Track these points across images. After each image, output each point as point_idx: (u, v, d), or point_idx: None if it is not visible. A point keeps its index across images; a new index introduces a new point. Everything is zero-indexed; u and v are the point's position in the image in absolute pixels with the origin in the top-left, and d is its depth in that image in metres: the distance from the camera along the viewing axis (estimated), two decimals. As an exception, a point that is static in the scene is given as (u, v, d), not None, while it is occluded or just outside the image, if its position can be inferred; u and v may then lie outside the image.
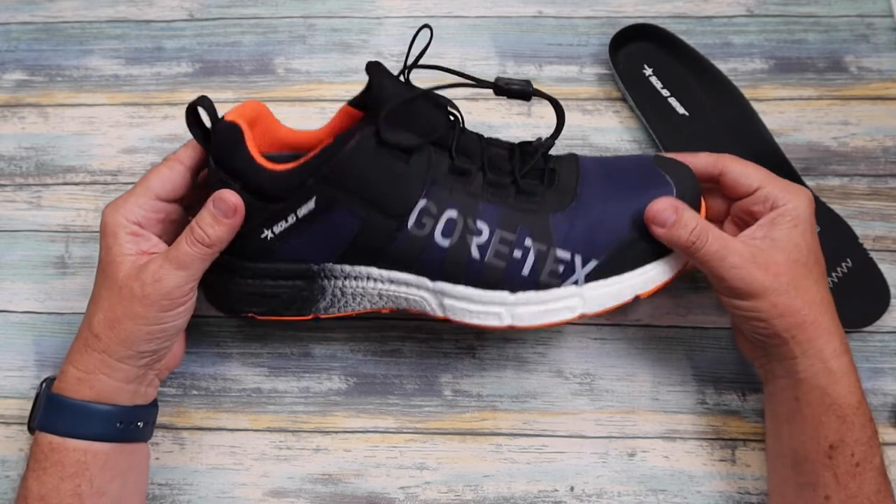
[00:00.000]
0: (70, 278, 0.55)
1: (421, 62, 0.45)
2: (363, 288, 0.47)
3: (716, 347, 0.52)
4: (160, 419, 0.51)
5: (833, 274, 0.52)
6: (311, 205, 0.44)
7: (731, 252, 0.42)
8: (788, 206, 0.44)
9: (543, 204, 0.45)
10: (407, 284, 0.46)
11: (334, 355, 0.53)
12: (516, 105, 0.60)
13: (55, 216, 0.57)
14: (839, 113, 0.59)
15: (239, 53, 0.62)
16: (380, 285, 0.46)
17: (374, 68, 0.44)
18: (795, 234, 0.43)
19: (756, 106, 0.57)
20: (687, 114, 0.57)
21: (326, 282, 0.46)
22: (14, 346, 0.54)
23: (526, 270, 0.44)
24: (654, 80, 0.59)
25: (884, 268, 0.53)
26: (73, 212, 0.57)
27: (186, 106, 0.44)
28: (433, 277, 0.45)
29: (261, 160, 0.44)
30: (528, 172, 0.45)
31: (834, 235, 0.53)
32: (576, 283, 0.45)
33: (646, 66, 0.59)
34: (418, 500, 0.49)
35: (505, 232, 0.44)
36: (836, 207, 0.55)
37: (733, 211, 0.47)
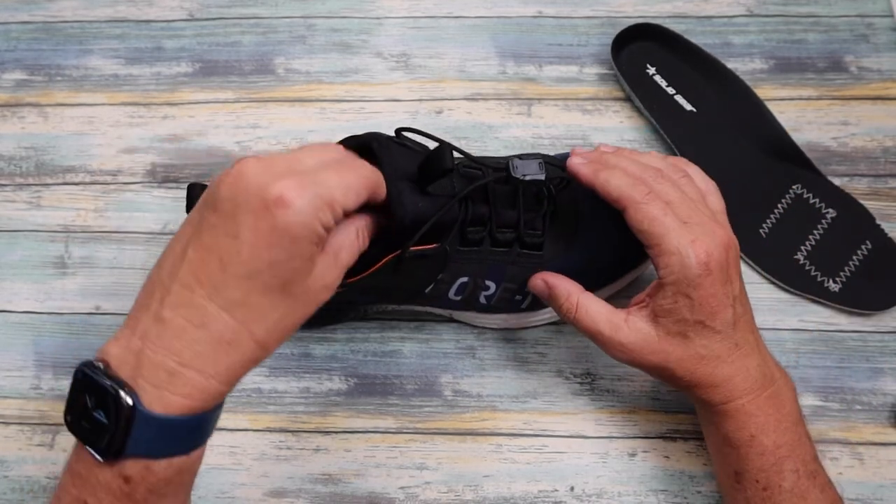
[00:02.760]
0: (70, 278, 0.55)
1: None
2: (383, 309, 0.53)
3: (716, 347, 0.52)
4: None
5: (854, 257, 0.52)
6: None
7: (603, 331, 0.44)
8: (668, 279, 0.42)
9: (544, 254, 0.47)
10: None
11: (334, 355, 0.53)
12: (516, 105, 0.60)
13: (55, 216, 0.57)
14: (839, 113, 0.59)
15: (239, 53, 0.62)
16: (396, 307, 0.52)
17: (385, 168, 0.41)
18: (676, 308, 0.42)
19: (756, 106, 0.57)
20: (694, 110, 0.57)
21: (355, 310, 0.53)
22: (14, 346, 0.53)
23: (525, 305, 0.50)
24: (657, 78, 0.59)
25: (884, 268, 0.53)
26: (72, 212, 0.57)
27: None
28: (444, 308, 0.51)
29: None
30: (531, 220, 0.47)
31: (851, 219, 0.54)
32: None
33: (648, 66, 0.59)
34: (418, 500, 0.49)
35: (510, 283, 0.48)
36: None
37: None
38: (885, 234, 0.53)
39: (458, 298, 0.49)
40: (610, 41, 0.59)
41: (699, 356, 0.42)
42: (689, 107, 0.57)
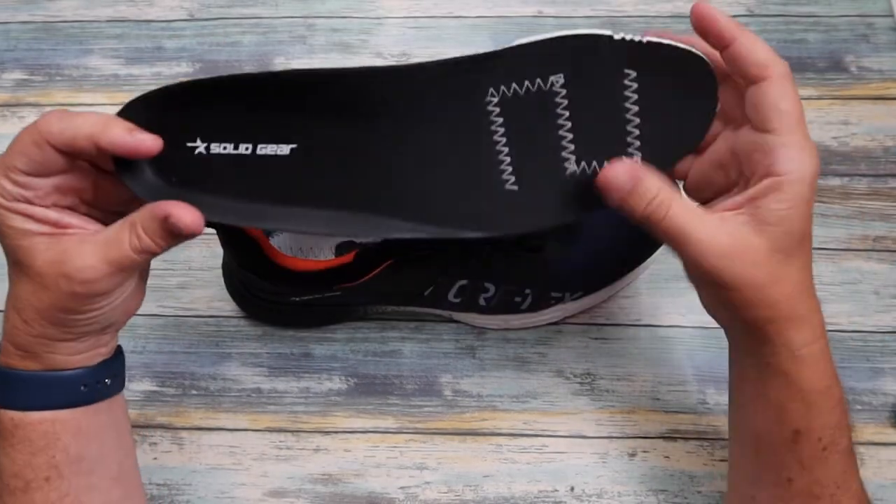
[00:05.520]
0: (70, 278, 0.55)
1: None
2: (382, 309, 0.53)
3: (716, 347, 0.52)
4: (159, 419, 0.51)
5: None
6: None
7: (698, 233, 0.35)
8: (791, 177, 0.35)
9: (545, 255, 0.47)
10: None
11: (334, 355, 0.53)
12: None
13: (55, 216, 0.57)
14: (839, 113, 0.59)
15: (239, 53, 0.62)
16: (396, 308, 0.53)
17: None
18: (790, 216, 0.35)
19: (756, 106, 0.57)
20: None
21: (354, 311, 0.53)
22: None
23: (524, 306, 0.50)
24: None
25: (884, 268, 0.53)
26: (72, 212, 0.57)
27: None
28: (444, 310, 0.51)
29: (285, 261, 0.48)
30: None
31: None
32: (562, 300, 0.50)
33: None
34: (418, 500, 0.49)
35: (510, 285, 0.48)
36: (837, 207, 0.55)
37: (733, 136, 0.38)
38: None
39: (458, 300, 0.49)
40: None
41: (803, 290, 0.37)
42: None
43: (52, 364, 0.39)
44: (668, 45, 0.35)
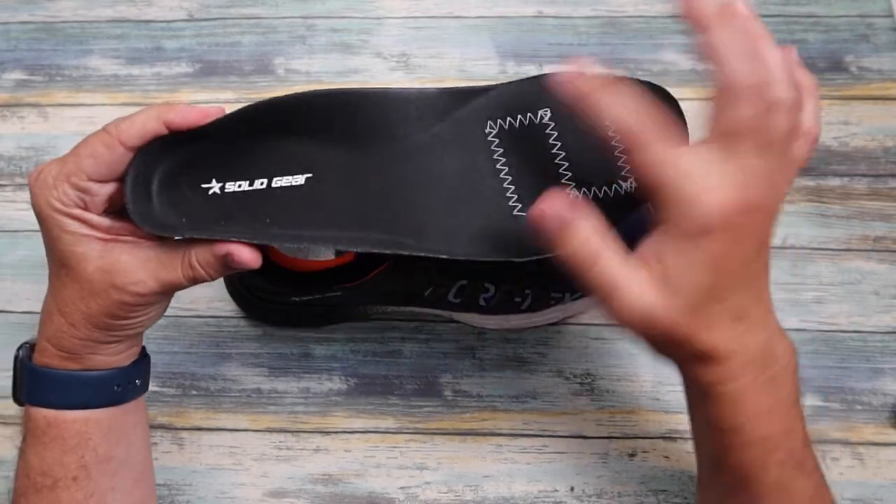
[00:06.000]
0: (70, 278, 0.55)
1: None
2: (383, 309, 0.53)
3: (716, 347, 0.52)
4: (160, 419, 0.51)
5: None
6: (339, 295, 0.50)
7: (621, 293, 0.34)
8: (669, 223, 0.33)
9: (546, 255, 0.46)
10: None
11: (334, 356, 0.53)
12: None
13: (55, 216, 0.57)
14: (839, 113, 0.59)
15: (239, 53, 0.62)
16: (396, 308, 0.53)
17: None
18: (683, 269, 0.33)
19: (756, 106, 0.57)
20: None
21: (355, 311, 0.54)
22: (14, 346, 0.53)
23: (524, 306, 0.50)
24: None
25: (884, 268, 0.53)
26: (72, 212, 0.57)
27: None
28: (444, 310, 0.51)
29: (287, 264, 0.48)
30: None
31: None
32: (562, 300, 0.50)
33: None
34: (418, 500, 0.49)
35: (510, 286, 0.48)
36: (837, 207, 0.55)
37: None
38: None
39: (458, 300, 0.49)
40: (611, 41, 0.59)
41: (721, 326, 0.34)
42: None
43: (92, 365, 0.40)
44: (635, 80, 0.38)
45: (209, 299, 0.54)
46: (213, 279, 0.38)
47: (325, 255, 0.50)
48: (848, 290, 0.54)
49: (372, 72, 0.61)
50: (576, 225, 0.34)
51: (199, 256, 0.37)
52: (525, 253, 0.37)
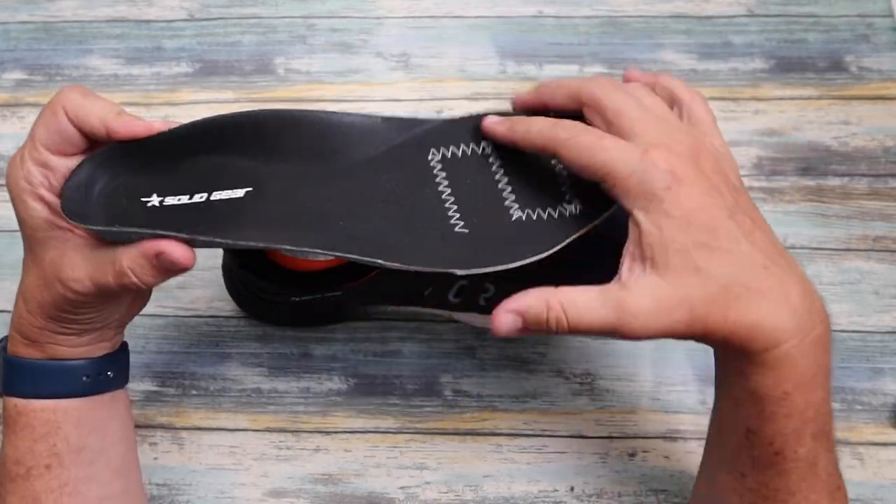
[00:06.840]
0: (70, 278, 0.55)
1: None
2: (383, 309, 0.53)
3: (716, 347, 0.52)
4: (160, 419, 0.51)
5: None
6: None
7: (605, 317, 0.35)
8: (630, 201, 0.35)
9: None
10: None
11: (334, 356, 0.53)
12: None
13: (55, 216, 0.57)
14: (840, 112, 0.59)
15: (239, 53, 0.62)
16: (396, 308, 0.52)
17: None
18: (662, 228, 0.34)
19: (757, 105, 0.57)
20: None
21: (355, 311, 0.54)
22: (13, 346, 0.53)
23: None
24: None
25: (884, 268, 0.53)
26: (72, 212, 0.57)
27: None
28: (444, 310, 0.50)
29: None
30: None
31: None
32: None
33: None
34: (418, 500, 0.49)
35: (510, 286, 0.47)
36: (837, 207, 0.55)
37: None
38: None
39: (458, 300, 0.49)
40: (611, 41, 0.59)
41: (724, 288, 0.34)
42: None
43: (55, 354, 0.40)
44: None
45: (209, 299, 0.54)
46: (148, 285, 0.37)
47: (324, 255, 0.50)
48: (848, 289, 0.54)
49: (372, 71, 0.61)
50: (529, 311, 0.37)
51: (128, 258, 0.36)
52: (466, 265, 0.38)
